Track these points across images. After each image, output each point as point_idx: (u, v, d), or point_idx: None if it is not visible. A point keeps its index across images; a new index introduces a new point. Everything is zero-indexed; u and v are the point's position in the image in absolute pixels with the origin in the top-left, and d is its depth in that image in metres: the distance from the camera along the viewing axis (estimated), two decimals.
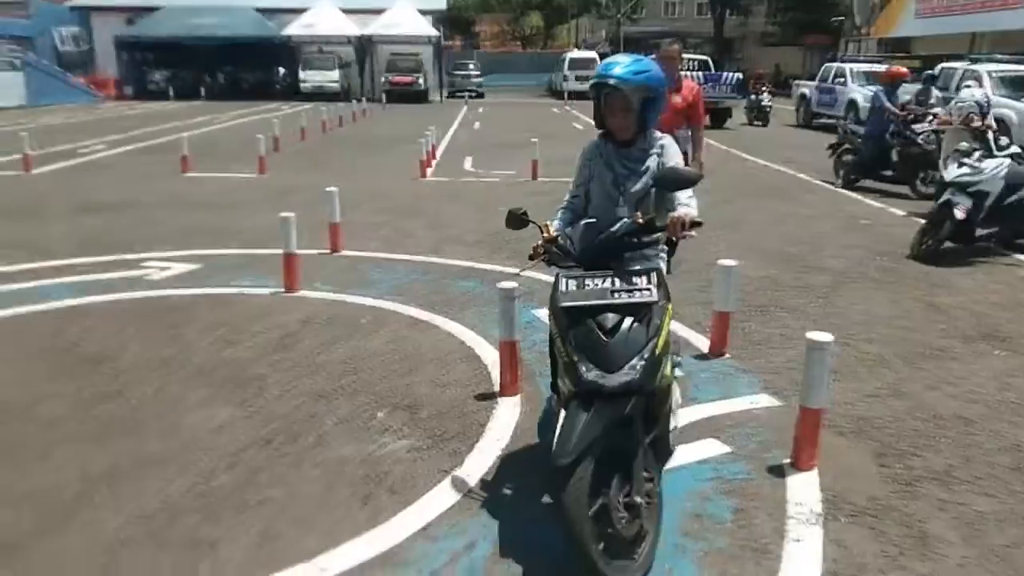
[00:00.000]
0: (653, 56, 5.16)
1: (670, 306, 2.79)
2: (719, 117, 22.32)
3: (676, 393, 3.09)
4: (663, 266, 3.07)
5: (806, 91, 24.71)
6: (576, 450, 2.42)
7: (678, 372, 3.41)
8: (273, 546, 2.92)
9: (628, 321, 2.61)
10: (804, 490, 3.29)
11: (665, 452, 2.97)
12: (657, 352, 2.61)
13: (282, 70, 38.01)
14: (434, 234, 8.40)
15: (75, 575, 2.76)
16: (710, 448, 3.65)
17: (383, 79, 36.44)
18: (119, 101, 35.26)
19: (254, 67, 38.33)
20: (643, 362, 2.56)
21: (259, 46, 36.82)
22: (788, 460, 3.49)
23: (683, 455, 3.50)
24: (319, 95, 33.84)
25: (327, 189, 7.41)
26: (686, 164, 7.13)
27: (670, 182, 2.88)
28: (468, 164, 14.49)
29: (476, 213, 9.58)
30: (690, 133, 6.92)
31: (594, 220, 2.98)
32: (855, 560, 2.85)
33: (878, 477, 3.44)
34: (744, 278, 6.07)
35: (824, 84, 23.30)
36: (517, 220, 3.01)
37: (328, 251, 7.38)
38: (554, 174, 11.82)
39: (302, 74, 36.25)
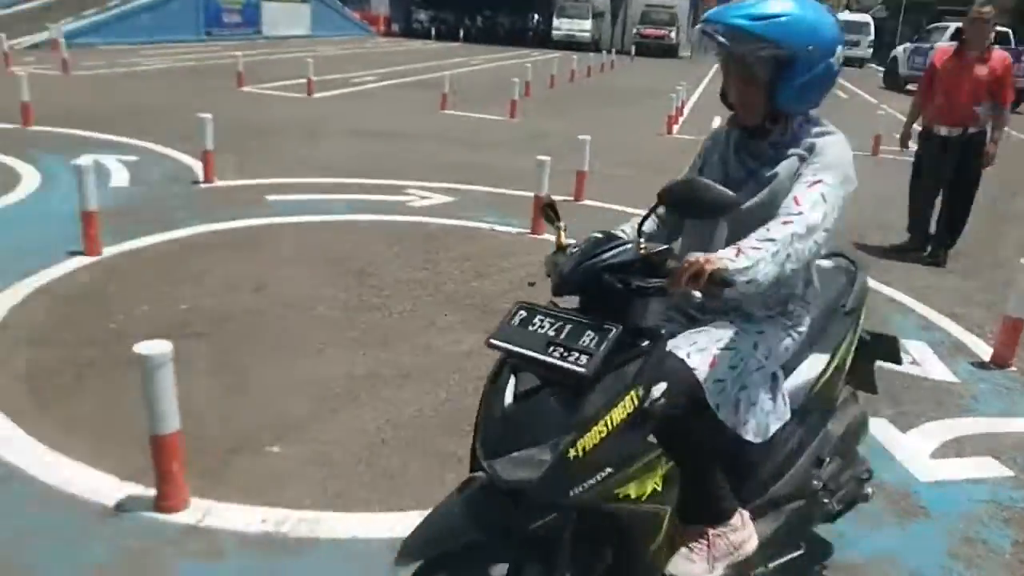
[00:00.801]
0: (959, 26, 4.50)
1: (631, 398, 1.70)
2: None
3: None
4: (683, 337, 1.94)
5: None
6: (421, 553, 1.66)
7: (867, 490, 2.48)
8: None
9: (547, 392, 1.69)
10: None
11: None
12: (576, 454, 1.62)
13: (536, 17, 38.67)
14: None
15: (340, 460, 3.04)
16: (987, 468, 3.25)
17: (634, 31, 35.90)
18: (386, 37, 37.81)
19: (510, 12, 39.32)
20: (548, 459, 1.61)
21: None
22: None
23: (955, 470, 3.15)
24: (570, 44, 34.08)
25: (580, 137, 7.44)
26: (983, 145, 6.43)
27: (681, 200, 1.77)
28: (716, 123, 13.91)
29: None
30: (992, 111, 6.14)
31: (601, 235, 1.88)
32: None
33: None
34: None
35: None
36: (546, 214, 2.18)
37: (572, 198, 7.44)
38: None
39: (555, 21, 36.64)
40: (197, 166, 7.60)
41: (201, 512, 2.64)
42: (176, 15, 25.46)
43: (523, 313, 1.81)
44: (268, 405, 3.39)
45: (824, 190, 1.85)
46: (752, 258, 1.72)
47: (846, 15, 40.03)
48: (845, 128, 2.08)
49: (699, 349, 1.88)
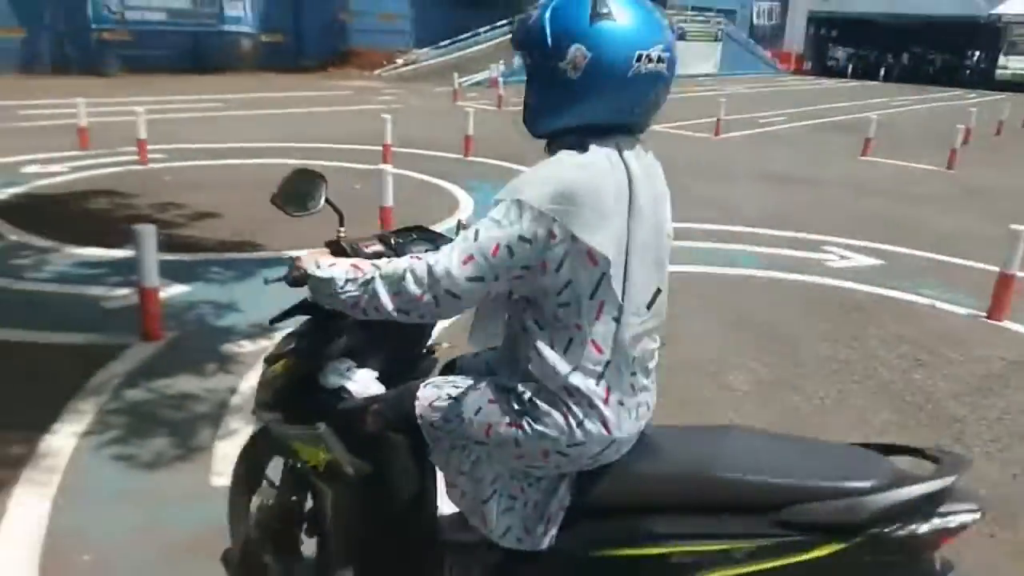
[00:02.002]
0: None
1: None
2: None
3: None
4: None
5: None
6: None
7: None
8: None
9: None
10: None
11: None
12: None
13: (977, 54, 33.95)
14: None
15: None
16: None
17: None
18: (797, 76, 36.26)
19: (943, 50, 35.08)
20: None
21: (955, 27, 33.41)
22: None
23: None
24: (1017, 85, 29.24)
25: None
26: None
27: None
28: None
29: None
30: None
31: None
32: None
33: None
34: None
35: None
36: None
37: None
38: None
39: (1003, 59, 31.80)
40: None
41: None
42: None
43: None
44: None
45: (483, 225, 1.43)
46: (334, 274, 1.56)
47: None
48: None
49: (435, 385, 1.65)
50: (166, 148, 9.56)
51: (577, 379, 1.45)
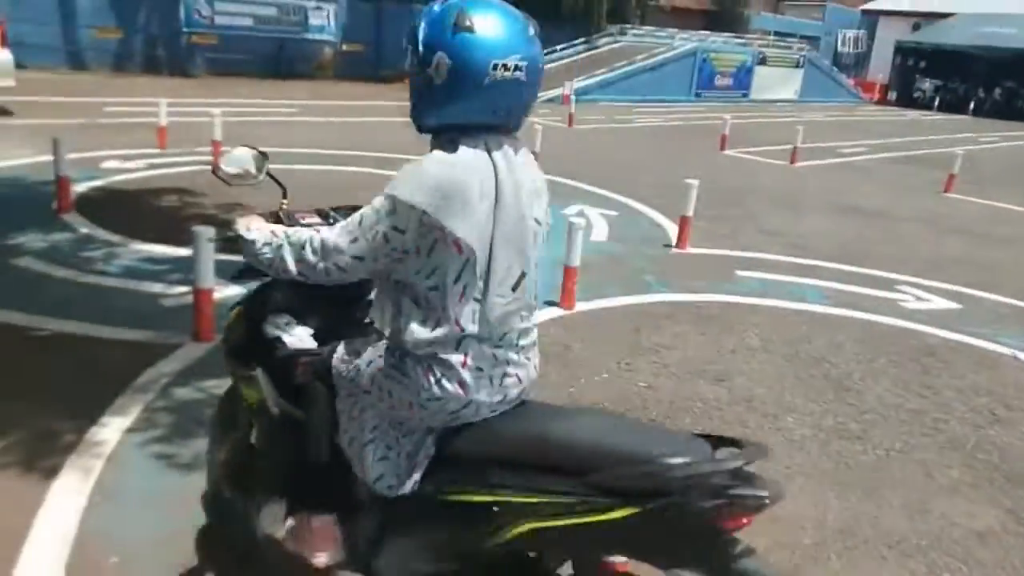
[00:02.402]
0: None
1: None
2: None
3: None
4: None
5: None
6: None
7: None
8: None
9: None
10: None
11: None
12: None
13: None
14: None
15: None
16: None
17: None
18: (880, 106, 35.17)
19: None
20: None
21: None
22: None
23: None
24: None
25: None
26: None
27: None
28: None
29: None
30: None
31: None
32: None
33: None
34: None
35: None
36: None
37: None
38: None
39: None
40: (672, 229, 7.54)
41: None
42: (671, 76, 26.98)
43: None
44: None
45: (365, 212, 1.71)
46: (255, 236, 1.87)
47: None
48: None
49: (351, 343, 1.92)
50: None
51: (439, 349, 1.70)
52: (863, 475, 3.40)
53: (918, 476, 3.44)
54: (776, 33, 36.94)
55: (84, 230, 5.94)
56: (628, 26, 30.04)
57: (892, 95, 36.85)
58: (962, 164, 11.98)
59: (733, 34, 33.81)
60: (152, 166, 8.55)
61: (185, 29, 20.89)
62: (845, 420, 3.92)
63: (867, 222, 9.02)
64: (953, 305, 6.01)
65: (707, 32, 32.49)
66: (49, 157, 6.40)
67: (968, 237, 8.68)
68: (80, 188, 7.06)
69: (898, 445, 3.71)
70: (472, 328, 1.69)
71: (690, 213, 6.95)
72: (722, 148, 14.45)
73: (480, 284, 1.67)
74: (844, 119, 25.54)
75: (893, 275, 6.69)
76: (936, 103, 34.12)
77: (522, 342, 1.80)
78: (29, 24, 18.17)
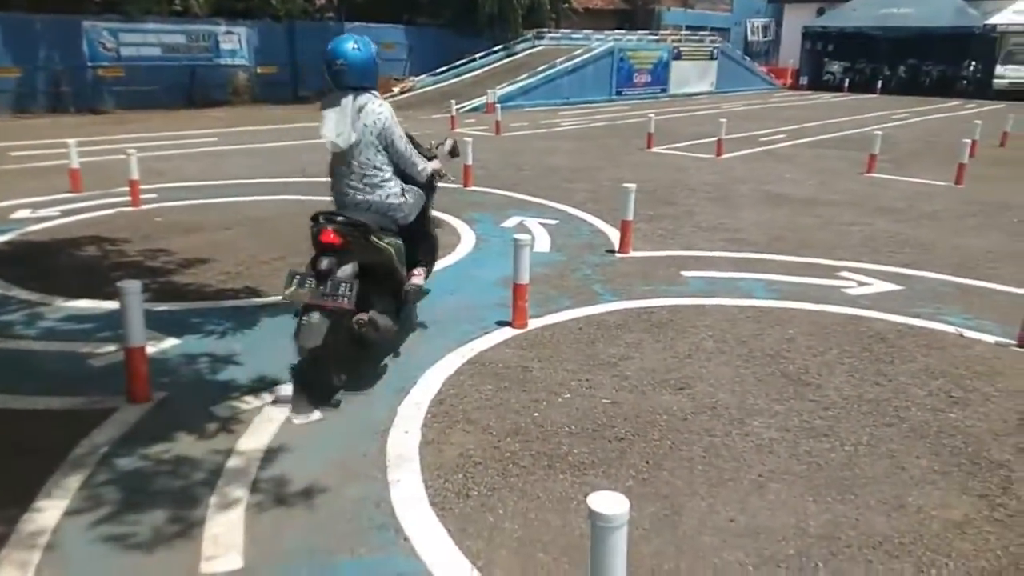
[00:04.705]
0: None
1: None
2: None
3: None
4: None
5: None
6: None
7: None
8: None
9: None
10: None
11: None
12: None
13: (973, 64, 33.88)
14: None
15: None
16: None
17: None
18: (793, 91, 36.25)
19: (939, 61, 35.04)
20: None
21: (950, 38, 33.41)
22: None
23: None
24: (1015, 94, 29.20)
25: None
26: None
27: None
28: None
29: None
30: None
31: None
32: None
33: None
34: None
35: None
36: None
37: None
38: None
39: (999, 69, 31.79)
40: (612, 233, 7.53)
41: None
42: (591, 77, 27.22)
43: None
44: (700, 558, 2.80)
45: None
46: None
47: None
48: None
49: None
50: (159, 187, 9.39)
51: None
52: (835, 474, 3.38)
53: (889, 469, 3.43)
54: (688, 27, 37.71)
55: None
56: (544, 30, 30.21)
57: (803, 80, 38.02)
58: (882, 144, 12.34)
59: (647, 31, 34.36)
60: (67, 212, 8.11)
61: (90, 63, 20.08)
62: (810, 418, 3.91)
63: (798, 209, 9.18)
64: (894, 287, 6.13)
65: (622, 31, 32.93)
66: None
67: (896, 216, 8.92)
68: None
69: (865, 439, 3.71)
70: None
71: (630, 217, 6.93)
72: (649, 146, 14.60)
73: None
74: (762, 107, 26.19)
75: (832, 261, 6.80)
76: (846, 84, 35.32)
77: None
78: None
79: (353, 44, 4.04)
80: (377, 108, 4.09)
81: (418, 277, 4.59)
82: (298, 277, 3.74)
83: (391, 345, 4.56)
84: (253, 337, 4.82)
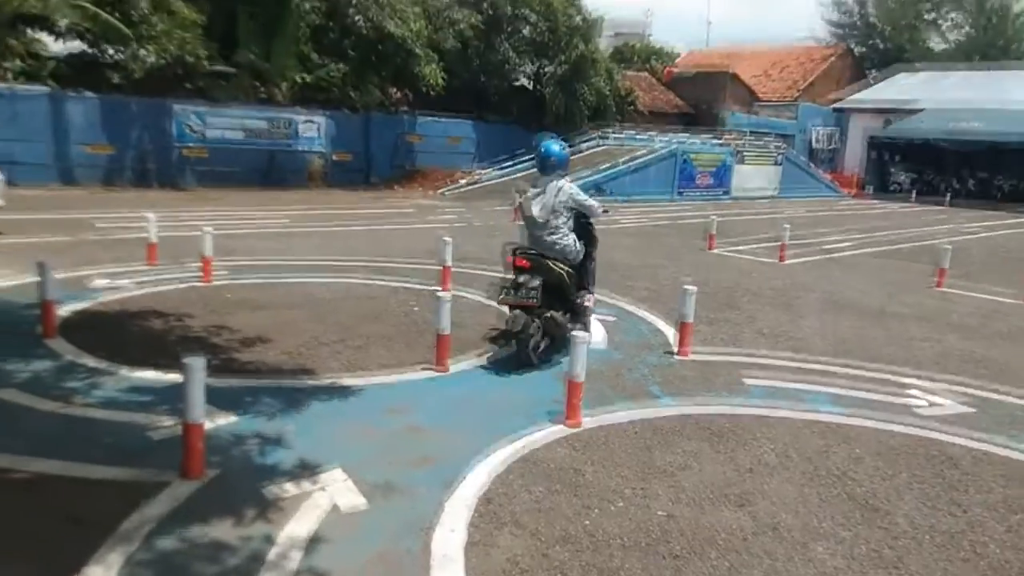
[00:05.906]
0: None
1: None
2: None
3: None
4: None
5: None
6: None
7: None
8: None
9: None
10: None
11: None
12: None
13: None
14: None
15: None
16: None
17: None
18: (858, 199, 35.99)
19: (1011, 175, 34.49)
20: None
21: (1021, 150, 32.92)
22: None
23: None
24: None
25: None
26: None
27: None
28: None
29: None
30: None
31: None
32: None
33: None
34: None
35: None
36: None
37: None
38: None
39: None
40: (670, 332, 7.43)
41: None
42: (653, 176, 27.57)
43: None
44: None
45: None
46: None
47: None
48: None
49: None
50: (231, 264, 9.71)
51: None
52: None
53: None
54: (752, 132, 38.09)
55: (69, 357, 5.74)
56: (609, 129, 30.88)
57: (869, 188, 37.75)
58: (952, 256, 12.04)
59: (710, 135, 34.81)
60: (141, 284, 8.43)
61: (176, 143, 21.25)
62: (878, 547, 3.68)
63: (865, 320, 8.94)
64: (967, 409, 5.84)
65: (686, 134, 33.42)
66: (36, 277, 6.27)
67: (968, 332, 8.60)
68: (66, 310, 6.90)
69: (938, 574, 3.47)
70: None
71: (690, 319, 6.85)
72: (710, 247, 14.55)
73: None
74: (826, 213, 26.01)
75: (901, 377, 6.54)
76: (913, 195, 34.96)
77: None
78: (21, 143, 18.44)
79: (558, 146, 6.28)
80: (568, 188, 6.23)
81: (590, 300, 6.50)
82: (505, 288, 5.95)
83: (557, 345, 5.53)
84: (306, 419, 4.84)
